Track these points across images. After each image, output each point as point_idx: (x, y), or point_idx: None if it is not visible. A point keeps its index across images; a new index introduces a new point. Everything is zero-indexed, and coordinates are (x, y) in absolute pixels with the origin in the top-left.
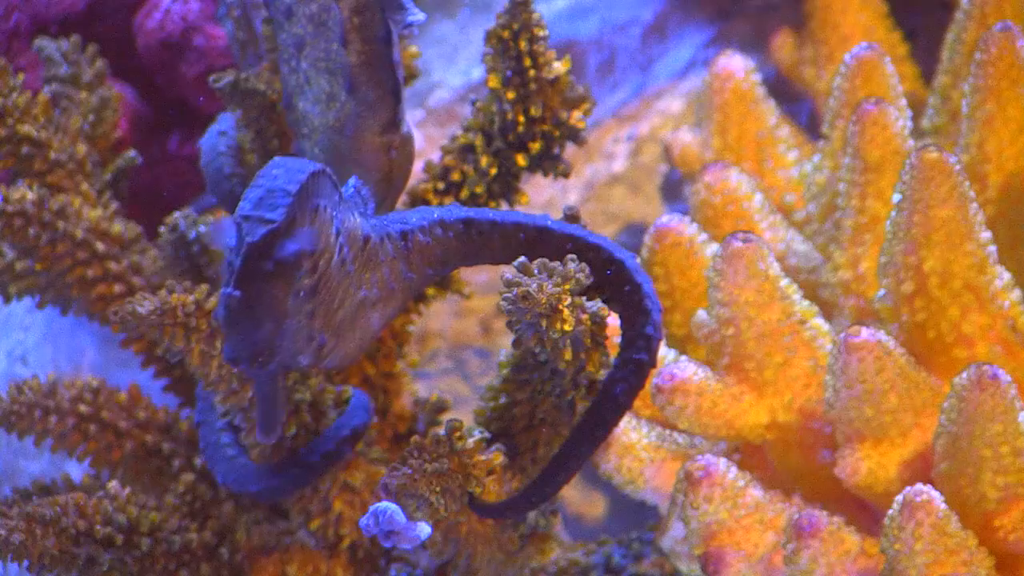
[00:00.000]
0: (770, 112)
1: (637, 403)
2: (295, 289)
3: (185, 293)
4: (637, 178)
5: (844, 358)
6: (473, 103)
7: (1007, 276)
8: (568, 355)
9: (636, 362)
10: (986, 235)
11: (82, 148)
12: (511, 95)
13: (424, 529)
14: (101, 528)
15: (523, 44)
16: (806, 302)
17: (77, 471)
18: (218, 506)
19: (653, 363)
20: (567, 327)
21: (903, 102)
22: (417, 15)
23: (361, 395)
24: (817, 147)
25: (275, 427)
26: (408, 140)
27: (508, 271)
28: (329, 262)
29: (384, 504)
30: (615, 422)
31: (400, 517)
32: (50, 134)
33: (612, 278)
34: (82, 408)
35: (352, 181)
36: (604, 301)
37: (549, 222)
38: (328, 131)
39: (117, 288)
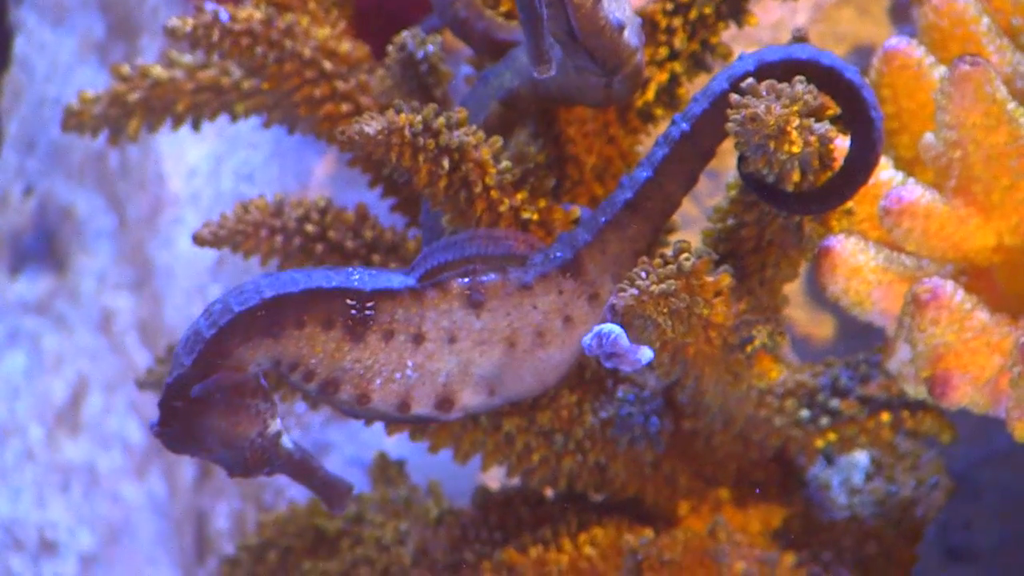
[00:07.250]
0: None
1: (865, 225)
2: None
3: (413, 113)
4: (865, 0)
5: None
6: None
7: None
8: (796, 177)
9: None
10: None
11: None
12: None
13: (646, 353)
14: None
15: None
16: None
17: None
18: None
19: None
20: (795, 149)
21: None
22: None
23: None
24: None
25: (341, 500)
26: (635, 72)
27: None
28: (331, 362)
29: (609, 326)
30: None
31: (624, 340)
32: None
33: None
34: (309, 228)
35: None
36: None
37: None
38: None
39: (344, 108)
